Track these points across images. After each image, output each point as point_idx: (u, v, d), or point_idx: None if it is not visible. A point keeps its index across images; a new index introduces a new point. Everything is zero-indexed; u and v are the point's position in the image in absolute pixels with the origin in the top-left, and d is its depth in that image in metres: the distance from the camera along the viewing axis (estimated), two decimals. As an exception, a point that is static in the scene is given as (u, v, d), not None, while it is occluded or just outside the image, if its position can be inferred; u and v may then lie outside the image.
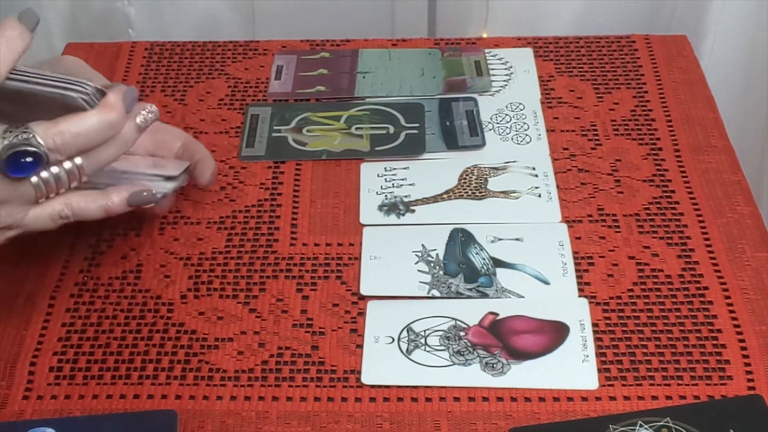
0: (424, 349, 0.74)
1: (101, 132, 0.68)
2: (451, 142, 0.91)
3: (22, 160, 0.66)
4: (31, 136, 0.66)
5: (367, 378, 0.72)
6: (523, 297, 0.78)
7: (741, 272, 0.79)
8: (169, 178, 0.79)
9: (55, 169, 0.67)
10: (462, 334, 0.75)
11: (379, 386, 0.72)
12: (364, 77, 0.98)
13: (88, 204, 0.70)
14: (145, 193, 0.72)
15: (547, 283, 0.79)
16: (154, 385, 0.72)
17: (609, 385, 0.72)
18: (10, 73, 0.66)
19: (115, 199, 0.71)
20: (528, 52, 1.01)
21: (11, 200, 0.67)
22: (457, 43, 1.03)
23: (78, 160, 0.68)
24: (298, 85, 0.98)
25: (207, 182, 0.83)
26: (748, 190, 0.86)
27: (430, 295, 0.78)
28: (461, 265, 0.80)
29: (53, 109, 0.67)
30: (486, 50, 1.01)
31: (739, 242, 0.81)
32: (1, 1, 1.14)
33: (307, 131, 0.93)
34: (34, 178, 0.67)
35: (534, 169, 0.88)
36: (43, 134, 0.66)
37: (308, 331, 0.76)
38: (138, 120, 0.70)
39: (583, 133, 0.92)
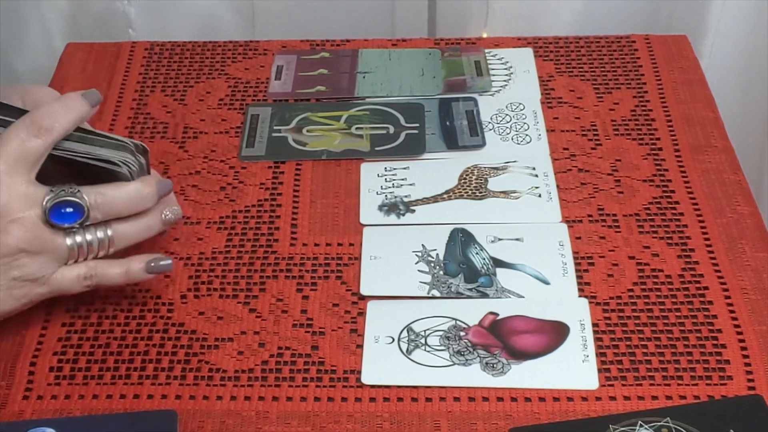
0: (424, 349, 0.74)
1: (136, 201, 0.75)
2: (451, 142, 0.91)
3: (64, 210, 0.72)
4: (76, 191, 0.72)
5: (367, 378, 0.72)
6: (523, 297, 0.78)
7: (741, 272, 0.79)
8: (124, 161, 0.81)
9: (89, 236, 0.73)
10: (462, 334, 0.75)
11: (379, 386, 0.72)
12: (364, 77, 0.99)
13: (111, 269, 0.75)
14: (161, 262, 0.76)
15: (547, 283, 0.79)
16: (154, 385, 0.72)
17: (609, 385, 0.72)
18: (60, 149, 0.73)
19: (135, 267, 0.75)
20: (528, 52, 1.01)
21: (47, 252, 0.72)
22: (457, 43, 1.03)
23: (110, 232, 0.74)
24: (298, 85, 0.98)
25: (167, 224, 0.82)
26: (748, 190, 0.86)
27: (430, 295, 0.78)
28: (461, 265, 0.80)
29: (95, 180, 0.74)
30: (486, 50, 1.01)
31: (739, 242, 0.81)
32: (2, 1, 1.14)
33: (307, 131, 0.93)
34: (69, 240, 0.73)
35: (534, 169, 0.88)
36: (87, 191, 0.73)
37: (308, 331, 0.76)
38: (163, 215, 0.77)
39: (583, 133, 0.92)
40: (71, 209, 0.72)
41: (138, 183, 0.75)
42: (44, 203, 0.71)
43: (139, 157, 0.76)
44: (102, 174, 0.75)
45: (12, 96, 0.77)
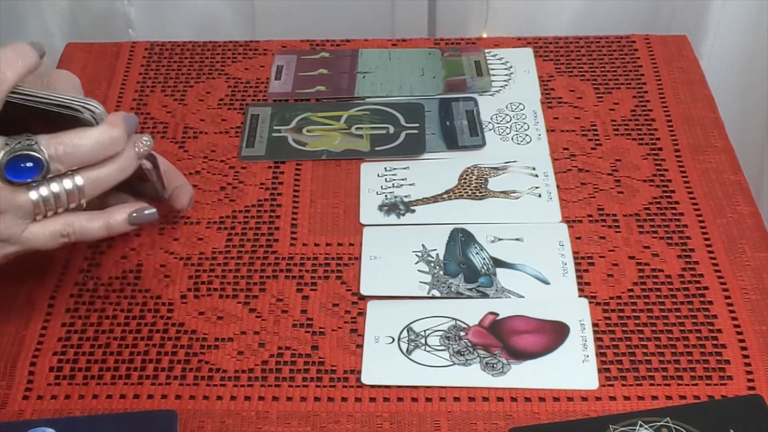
0: (424, 349, 0.74)
1: (103, 147, 0.69)
2: (451, 142, 0.91)
3: (22, 164, 0.66)
4: (33, 143, 0.67)
5: (367, 378, 0.72)
6: (523, 297, 0.78)
7: (741, 272, 0.79)
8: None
9: (55, 188, 0.68)
10: (462, 334, 0.75)
11: (379, 386, 0.72)
12: (364, 77, 0.99)
13: (89, 223, 0.71)
14: (145, 212, 0.72)
15: (547, 283, 0.79)
16: (154, 385, 0.72)
17: (609, 385, 0.72)
18: (17, 94, 0.68)
19: (117, 218, 0.71)
20: (528, 52, 1.01)
21: (9, 211, 0.67)
22: (457, 43, 1.03)
23: (79, 181, 0.68)
24: (298, 85, 0.98)
25: (184, 207, 0.82)
26: (748, 190, 0.86)
27: (430, 295, 0.78)
28: (461, 265, 0.80)
29: (62, 126, 0.68)
30: (486, 50, 1.01)
31: (739, 242, 0.81)
32: (2, 1, 1.14)
33: (307, 131, 0.93)
34: (33, 194, 0.67)
35: (534, 169, 0.88)
36: (46, 143, 0.67)
37: (308, 331, 0.76)
38: (136, 149, 0.71)
39: (583, 133, 0.92)
40: (30, 163, 0.66)
41: (103, 127, 0.69)
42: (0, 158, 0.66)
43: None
44: (64, 122, 0.69)
45: (34, 79, 0.75)
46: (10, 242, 0.69)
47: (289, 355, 0.74)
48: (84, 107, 0.69)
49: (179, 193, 0.82)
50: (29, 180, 0.67)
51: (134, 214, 0.72)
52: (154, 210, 0.73)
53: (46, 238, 0.69)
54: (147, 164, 0.76)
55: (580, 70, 0.99)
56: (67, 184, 0.68)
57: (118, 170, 0.70)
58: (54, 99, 0.69)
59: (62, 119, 0.69)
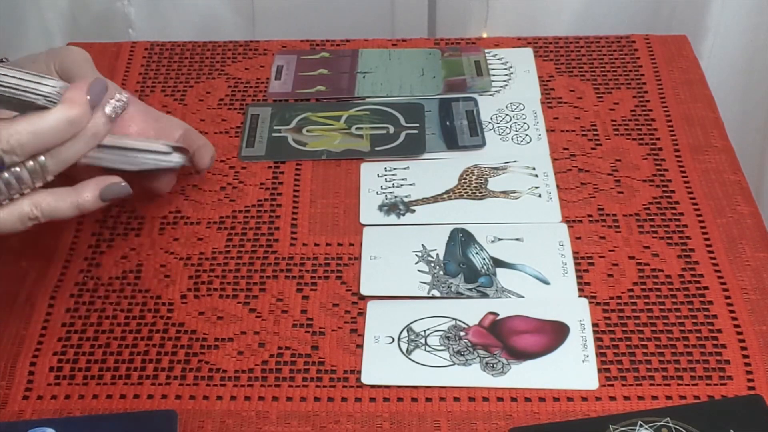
0: (424, 349, 0.74)
1: (62, 130, 0.65)
2: (451, 142, 0.91)
3: None
4: None
5: (367, 378, 0.72)
6: (523, 297, 0.78)
7: (741, 272, 0.79)
8: (166, 153, 0.78)
9: (16, 169, 0.64)
10: (462, 334, 0.75)
11: (379, 386, 0.72)
12: (364, 77, 0.98)
13: (58, 203, 0.67)
14: (116, 186, 0.68)
15: (547, 283, 0.79)
16: (154, 385, 0.72)
17: (609, 385, 0.72)
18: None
19: (87, 196, 0.68)
20: (528, 52, 1.01)
21: None
22: (457, 43, 1.03)
23: (41, 159, 0.65)
24: (298, 85, 0.98)
25: (206, 165, 0.83)
26: (748, 190, 0.86)
27: (430, 295, 0.78)
28: (461, 265, 0.80)
29: (14, 108, 0.66)
30: (486, 50, 1.01)
31: (739, 242, 0.81)
32: (2, 1, 1.14)
33: (307, 131, 0.93)
34: None
35: (534, 169, 0.88)
36: None
37: (308, 331, 0.76)
38: (107, 110, 0.67)
39: (583, 133, 0.92)
40: None
41: (61, 108, 0.64)
42: None
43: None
44: (22, 104, 0.65)
45: (45, 60, 0.73)
46: None
47: (289, 355, 0.74)
48: (36, 92, 0.65)
49: (201, 153, 0.83)
50: None
51: (105, 190, 0.68)
52: (125, 183, 0.69)
53: (14, 222, 0.66)
54: (179, 160, 0.78)
55: (580, 70, 0.99)
56: (29, 163, 0.65)
57: (86, 141, 0.66)
58: (7, 80, 0.65)
59: (24, 104, 0.66)
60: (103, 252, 0.82)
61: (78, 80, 0.68)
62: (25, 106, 0.66)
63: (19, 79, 0.66)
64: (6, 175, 0.64)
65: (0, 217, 0.65)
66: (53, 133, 0.64)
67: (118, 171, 0.72)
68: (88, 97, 0.66)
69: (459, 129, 0.92)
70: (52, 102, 0.66)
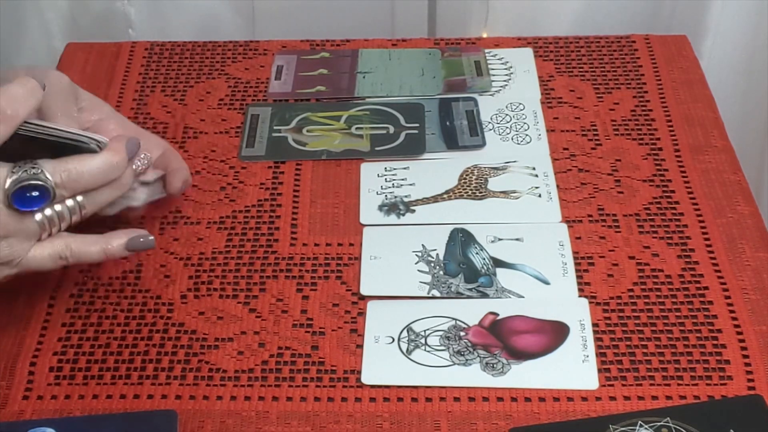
0: (424, 349, 0.74)
1: (105, 173, 0.71)
2: (451, 142, 0.91)
3: (29, 194, 0.68)
4: (39, 171, 0.68)
5: (367, 378, 0.72)
6: (523, 297, 0.78)
7: (741, 272, 0.79)
8: (143, 183, 0.80)
9: (57, 207, 0.70)
10: (462, 334, 0.75)
11: (379, 386, 0.72)
12: (364, 77, 0.99)
13: (88, 246, 0.72)
14: (142, 239, 0.74)
15: (547, 283, 0.79)
16: (154, 385, 0.72)
17: (609, 385, 0.72)
18: (26, 125, 0.69)
19: (114, 243, 0.73)
20: (528, 52, 1.01)
21: (16, 234, 0.69)
22: (457, 43, 1.03)
23: (79, 198, 0.70)
24: (298, 85, 0.98)
25: (176, 191, 0.82)
26: (748, 190, 0.86)
27: (430, 295, 0.78)
28: (461, 265, 0.80)
29: (65, 152, 0.70)
30: (486, 50, 1.01)
31: (739, 242, 0.81)
32: (2, 1, 1.14)
33: (307, 131, 0.93)
34: (38, 216, 0.69)
35: (534, 169, 0.88)
36: (52, 170, 0.69)
37: (308, 331, 0.76)
38: (134, 166, 0.74)
39: (583, 133, 0.92)
40: (36, 193, 0.68)
41: (106, 153, 0.71)
42: (6, 187, 0.67)
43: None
44: (66, 150, 0.71)
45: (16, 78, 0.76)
46: (12, 265, 0.70)
47: (289, 355, 0.74)
48: (90, 139, 0.71)
49: (171, 178, 0.82)
50: (36, 208, 0.69)
51: (132, 241, 0.74)
52: (151, 238, 0.74)
53: (45, 260, 0.71)
54: (143, 197, 0.79)
55: (580, 70, 0.99)
56: (69, 201, 0.70)
57: (117, 189, 0.73)
58: (60, 132, 0.71)
59: (65, 147, 0.71)
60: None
61: (117, 136, 0.74)
62: (71, 150, 0.71)
63: (75, 131, 0.72)
64: (49, 212, 0.69)
65: (36, 253, 0.70)
66: (98, 175, 0.71)
67: None
68: (126, 149, 0.72)
69: (459, 129, 0.92)
70: (99, 148, 0.71)
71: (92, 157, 0.70)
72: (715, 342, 0.74)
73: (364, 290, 0.78)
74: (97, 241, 0.72)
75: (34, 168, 0.68)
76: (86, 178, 0.70)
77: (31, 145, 0.70)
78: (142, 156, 0.76)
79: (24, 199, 0.68)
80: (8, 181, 0.67)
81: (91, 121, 0.78)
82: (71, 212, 0.71)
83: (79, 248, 0.72)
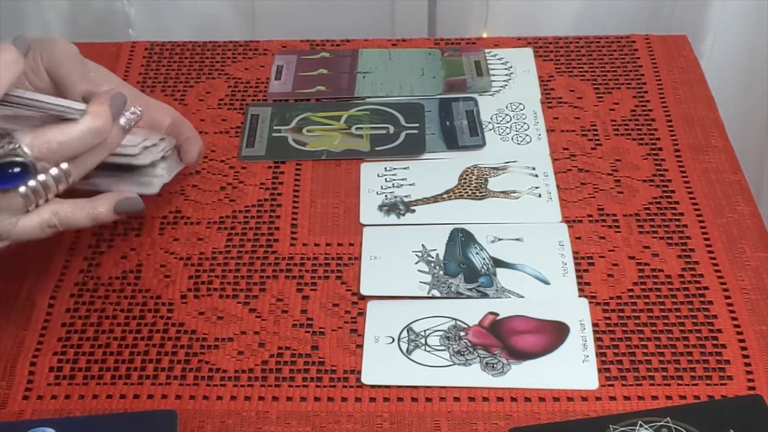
0: (424, 349, 0.74)
1: (88, 140, 0.69)
2: (451, 142, 0.91)
3: (10, 171, 0.66)
4: (17, 146, 0.66)
5: (367, 378, 0.72)
6: (523, 297, 0.78)
7: (741, 272, 0.79)
8: (162, 158, 0.79)
9: (42, 177, 0.68)
10: (462, 334, 0.75)
11: (379, 386, 0.72)
12: (364, 77, 0.99)
13: (75, 212, 0.70)
14: (130, 200, 0.72)
15: (547, 283, 0.79)
16: (154, 385, 0.72)
17: (609, 385, 0.72)
18: (7, 97, 0.68)
19: (102, 208, 0.71)
20: (528, 52, 1.01)
21: (1, 211, 0.68)
22: (457, 43, 1.03)
23: (64, 166, 0.68)
24: (298, 85, 0.98)
25: (192, 161, 0.82)
26: (748, 190, 0.86)
27: (430, 295, 0.78)
28: (461, 265, 0.80)
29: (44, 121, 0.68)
30: (486, 50, 1.01)
31: (739, 242, 0.81)
32: (2, 1, 1.14)
33: (307, 131, 0.93)
34: (22, 188, 0.67)
35: (534, 169, 0.88)
36: (30, 143, 0.67)
37: (308, 331, 0.76)
38: (122, 122, 0.71)
39: (583, 133, 0.92)
40: (17, 169, 0.66)
41: (86, 119, 0.68)
42: None
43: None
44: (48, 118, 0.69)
45: (32, 52, 0.74)
46: (2, 238, 0.69)
47: (289, 355, 0.74)
48: (72, 110, 0.69)
49: (186, 147, 0.81)
50: (19, 184, 0.67)
51: (120, 204, 0.72)
52: (139, 199, 0.72)
53: (34, 229, 0.69)
54: (145, 161, 0.78)
55: (580, 70, 0.99)
56: (53, 170, 0.68)
57: (104, 151, 0.70)
58: (42, 104, 0.69)
59: (43, 118, 0.69)
60: (103, 252, 0.82)
61: (99, 94, 0.71)
62: (51, 120, 0.69)
63: (56, 104, 0.69)
64: (33, 183, 0.67)
65: (24, 224, 0.69)
66: (79, 143, 0.68)
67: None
68: (110, 109, 0.70)
69: (459, 129, 0.92)
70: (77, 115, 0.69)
71: (73, 124, 0.68)
72: (715, 342, 0.74)
73: (364, 290, 0.78)
74: (85, 206, 0.71)
75: (11, 143, 0.66)
76: (68, 148, 0.68)
77: (11, 120, 0.69)
78: (131, 110, 0.72)
79: (5, 176, 0.66)
80: None
81: (101, 91, 0.77)
82: (57, 181, 0.68)
83: (66, 214, 0.70)
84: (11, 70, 0.67)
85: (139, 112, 0.73)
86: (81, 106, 0.70)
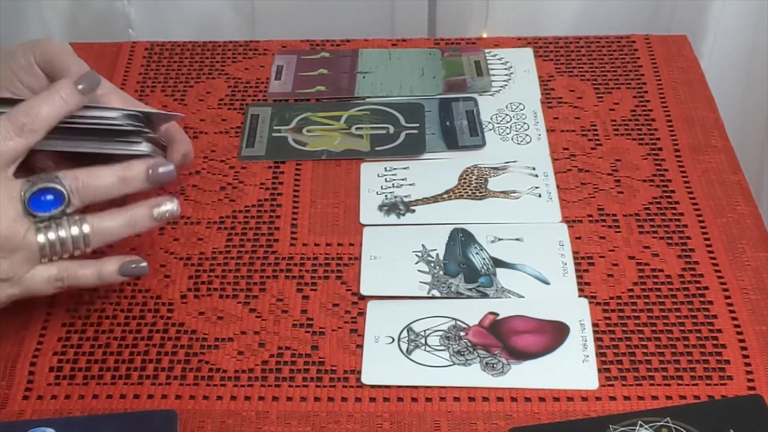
0: (424, 349, 0.74)
1: (116, 187, 0.71)
2: (451, 142, 0.91)
3: (43, 198, 0.69)
4: (54, 176, 0.69)
5: (367, 378, 0.72)
6: (523, 297, 0.78)
7: (741, 272, 0.79)
8: (136, 143, 0.78)
9: (62, 233, 0.70)
10: (462, 334, 0.75)
11: (379, 386, 0.72)
12: (364, 77, 0.99)
13: (83, 270, 0.72)
14: (133, 265, 0.73)
15: (547, 283, 0.79)
16: (154, 385, 0.72)
17: (609, 385, 0.72)
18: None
19: (109, 268, 0.72)
20: (528, 52, 1.01)
21: (19, 252, 0.69)
22: (457, 43, 1.03)
23: (86, 229, 0.70)
24: (298, 85, 0.98)
25: (176, 162, 0.79)
26: (748, 190, 0.86)
27: (430, 295, 0.78)
28: (461, 265, 0.80)
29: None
30: (486, 50, 1.01)
31: (739, 242, 0.82)
32: (2, 1, 1.14)
33: (307, 131, 0.93)
34: (41, 237, 0.69)
35: (534, 169, 0.88)
36: (63, 175, 0.69)
37: (308, 331, 0.76)
38: (154, 211, 0.73)
39: (583, 133, 0.92)
40: (51, 196, 0.69)
41: (119, 166, 0.71)
42: (23, 194, 0.69)
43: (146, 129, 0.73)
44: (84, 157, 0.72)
45: (23, 53, 0.76)
46: (12, 282, 0.70)
47: (289, 355, 0.74)
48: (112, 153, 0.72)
49: (172, 149, 0.80)
50: (52, 210, 0.69)
51: (125, 266, 0.73)
52: (145, 264, 0.73)
53: (43, 281, 0.71)
54: (146, 149, 0.77)
55: (580, 70, 0.99)
56: (74, 230, 0.70)
57: (126, 223, 0.72)
58: (81, 147, 0.72)
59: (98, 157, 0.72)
60: (103, 252, 0.82)
61: (135, 161, 0.73)
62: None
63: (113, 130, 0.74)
64: (52, 237, 0.69)
65: (33, 276, 0.71)
66: (110, 187, 0.71)
67: (84, 154, 0.73)
68: (149, 172, 0.72)
69: (459, 129, 0.92)
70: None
71: (104, 168, 0.71)
72: (715, 342, 0.74)
73: (364, 290, 0.78)
74: (92, 265, 0.72)
75: (48, 175, 0.69)
76: (98, 189, 0.70)
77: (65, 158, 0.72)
78: (169, 203, 0.74)
79: (39, 202, 0.69)
80: (24, 189, 0.69)
81: (97, 94, 0.77)
82: (74, 242, 0.70)
83: (74, 271, 0.71)
84: (63, 105, 0.71)
85: (174, 212, 0.73)
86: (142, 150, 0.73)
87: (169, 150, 0.81)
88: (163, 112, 0.78)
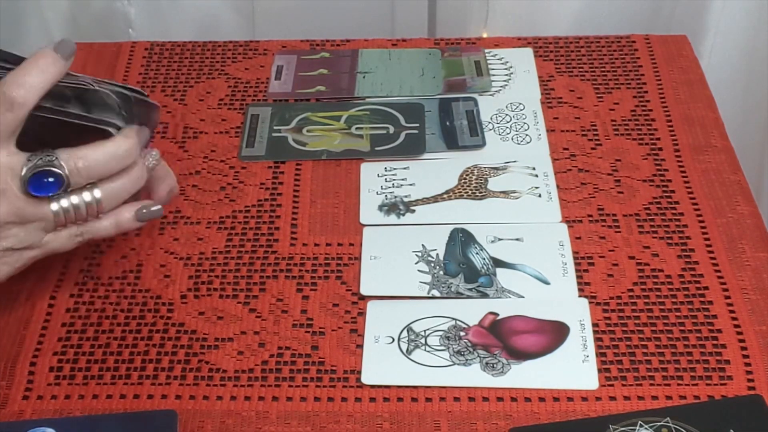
0: (424, 349, 0.74)
1: (118, 158, 0.72)
2: (451, 142, 0.91)
3: (44, 180, 0.70)
4: (54, 158, 0.70)
5: (367, 378, 0.72)
6: (523, 297, 0.78)
7: (741, 272, 0.79)
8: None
9: (75, 200, 0.71)
10: (462, 334, 0.75)
11: (379, 386, 0.72)
12: (364, 77, 0.99)
13: (101, 222, 0.74)
14: (153, 208, 0.75)
15: (547, 283, 0.79)
16: (154, 385, 0.72)
17: (609, 385, 0.72)
18: (45, 107, 0.71)
19: (126, 215, 0.74)
20: (528, 52, 1.01)
21: (33, 221, 0.71)
22: (457, 43, 1.03)
23: (97, 194, 0.72)
24: (298, 85, 0.98)
25: (161, 200, 0.80)
26: (748, 190, 0.86)
27: (430, 295, 0.78)
28: (461, 265, 0.80)
29: (85, 132, 0.72)
30: (486, 50, 1.01)
31: (739, 242, 0.81)
32: (2, 1, 1.14)
33: (307, 131, 0.93)
34: (54, 206, 0.71)
35: (534, 169, 0.88)
36: (66, 158, 0.70)
37: (308, 331, 0.76)
38: (147, 163, 0.75)
39: (583, 133, 0.92)
40: (51, 179, 0.70)
41: (118, 139, 0.72)
42: (22, 174, 0.69)
43: (123, 109, 0.74)
44: (84, 132, 0.72)
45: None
46: (33, 247, 0.72)
47: (289, 355, 0.74)
48: (107, 124, 0.72)
49: (155, 185, 0.80)
50: (51, 194, 0.70)
51: (142, 211, 0.75)
52: (159, 207, 0.76)
53: (63, 240, 0.73)
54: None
55: (580, 70, 0.99)
56: (86, 196, 0.72)
57: (132, 181, 0.74)
58: (74, 116, 0.72)
59: (86, 129, 0.72)
60: (103, 252, 0.82)
61: (126, 128, 0.74)
62: (89, 132, 0.72)
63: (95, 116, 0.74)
64: (66, 204, 0.71)
65: (54, 237, 0.73)
66: (111, 161, 0.72)
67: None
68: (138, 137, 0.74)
69: (459, 129, 0.92)
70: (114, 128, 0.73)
71: (104, 143, 0.72)
72: (715, 342, 0.74)
73: (364, 290, 0.78)
74: (109, 215, 0.74)
75: (48, 156, 0.70)
76: (100, 166, 0.71)
77: (51, 127, 0.72)
78: (152, 153, 0.77)
79: (39, 184, 0.70)
80: (24, 169, 0.69)
81: None
82: (88, 208, 0.72)
83: (92, 224, 0.73)
84: (48, 73, 0.70)
85: (156, 155, 0.76)
86: (119, 122, 0.73)
87: (155, 187, 0.81)
88: (138, 91, 0.77)
